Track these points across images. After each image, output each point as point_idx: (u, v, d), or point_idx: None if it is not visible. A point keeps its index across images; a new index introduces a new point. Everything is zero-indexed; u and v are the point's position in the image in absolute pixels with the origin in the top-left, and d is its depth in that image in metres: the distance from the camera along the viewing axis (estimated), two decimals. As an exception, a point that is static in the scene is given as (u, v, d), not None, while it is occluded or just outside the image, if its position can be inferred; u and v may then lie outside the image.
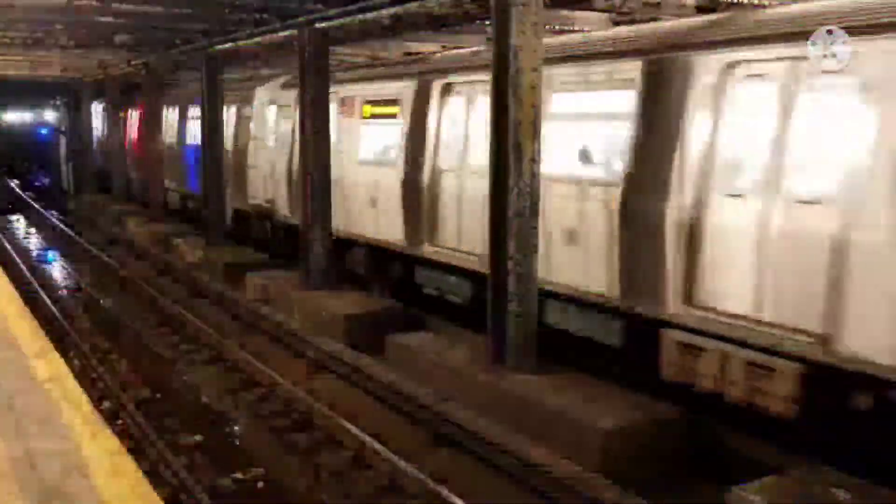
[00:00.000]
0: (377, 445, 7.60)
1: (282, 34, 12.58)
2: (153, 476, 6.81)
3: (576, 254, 8.56)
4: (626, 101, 8.08)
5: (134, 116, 25.05)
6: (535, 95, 8.17)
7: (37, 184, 38.40)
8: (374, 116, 12.15)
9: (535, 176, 8.24)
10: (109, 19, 12.64)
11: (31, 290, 14.36)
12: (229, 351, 10.88)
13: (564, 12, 10.08)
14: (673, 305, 7.55)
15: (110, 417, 8.26)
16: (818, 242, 6.28)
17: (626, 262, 8.03)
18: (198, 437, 8.40)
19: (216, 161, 16.29)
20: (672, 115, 7.62)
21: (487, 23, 9.14)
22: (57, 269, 18.05)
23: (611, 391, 7.94)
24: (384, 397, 8.93)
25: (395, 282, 12.01)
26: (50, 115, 37.92)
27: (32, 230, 24.22)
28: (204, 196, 16.70)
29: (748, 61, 7.09)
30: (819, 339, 6.31)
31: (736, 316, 7.01)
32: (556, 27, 10.71)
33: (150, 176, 20.51)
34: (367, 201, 12.01)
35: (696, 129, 7.40)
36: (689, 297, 7.44)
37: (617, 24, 11.39)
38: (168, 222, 20.00)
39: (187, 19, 12.81)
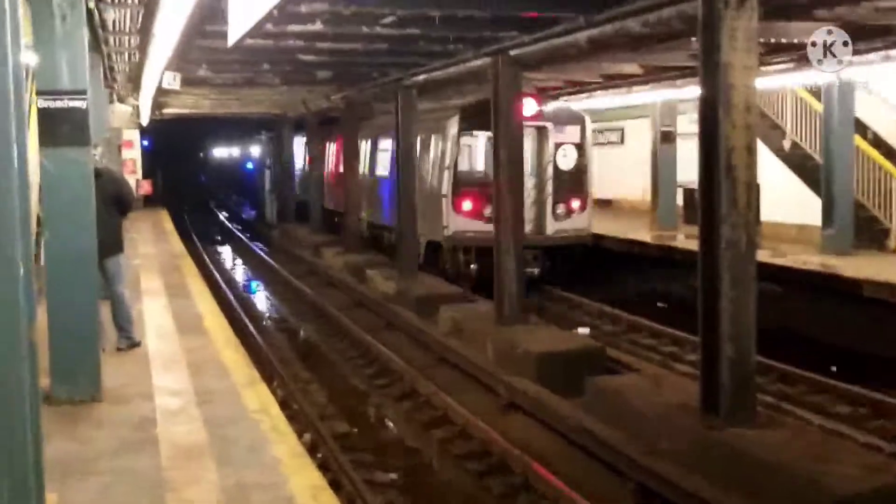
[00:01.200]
0: (574, 495, 7.10)
1: (475, 63, 12.48)
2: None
3: None
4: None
5: (332, 149, 25.93)
6: (751, 116, 7.48)
7: (243, 216, 41.00)
8: None
9: (750, 205, 7.51)
10: (312, 58, 13.11)
11: (237, 318, 15.03)
12: (422, 386, 10.75)
13: (780, 23, 9.24)
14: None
15: (310, 450, 8.27)
16: None
17: None
18: (392, 475, 8.25)
19: (409, 192, 16.40)
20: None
21: (693, 38, 8.53)
22: (260, 299, 18.93)
23: (844, 448, 7.02)
24: (581, 443, 8.40)
25: None
26: (255, 150, 40.23)
27: (238, 261, 25.68)
28: (399, 227, 16.89)
29: None
30: None
31: None
32: (771, 40, 9.88)
33: (346, 207, 21.09)
34: None
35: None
36: None
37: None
38: (362, 253, 20.40)
39: (384, 54, 13.02)
